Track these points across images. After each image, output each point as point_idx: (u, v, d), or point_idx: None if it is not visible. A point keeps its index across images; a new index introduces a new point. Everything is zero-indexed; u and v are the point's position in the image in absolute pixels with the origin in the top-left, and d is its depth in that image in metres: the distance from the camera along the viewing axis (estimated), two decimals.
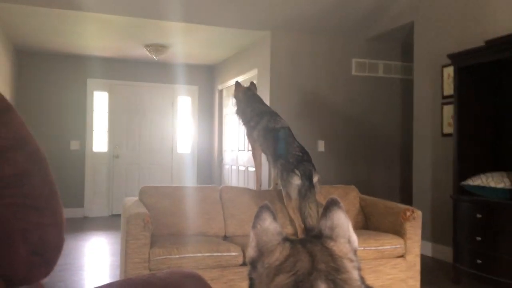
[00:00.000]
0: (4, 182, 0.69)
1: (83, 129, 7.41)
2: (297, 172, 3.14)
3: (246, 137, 3.77)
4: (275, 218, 0.68)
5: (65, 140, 7.29)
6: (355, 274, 0.62)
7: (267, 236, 0.65)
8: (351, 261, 0.64)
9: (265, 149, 3.45)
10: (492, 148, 4.06)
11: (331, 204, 0.68)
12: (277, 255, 0.62)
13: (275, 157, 3.27)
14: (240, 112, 3.67)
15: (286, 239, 0.65)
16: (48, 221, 0.72)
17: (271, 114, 3.52)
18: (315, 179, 3.18)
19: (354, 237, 0.68)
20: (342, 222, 0.67)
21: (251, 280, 0.65)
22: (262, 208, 0.69)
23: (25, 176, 0.71)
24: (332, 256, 0.62)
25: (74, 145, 7.34)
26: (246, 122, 3.62)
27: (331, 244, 0.65)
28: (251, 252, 0.66)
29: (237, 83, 3.79)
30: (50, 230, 0.72)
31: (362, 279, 0.64)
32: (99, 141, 7.61)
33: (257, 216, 0.67)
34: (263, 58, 5.84)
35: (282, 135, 3.32)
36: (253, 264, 0.65)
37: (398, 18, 5.47)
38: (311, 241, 0.65)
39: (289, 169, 3.15)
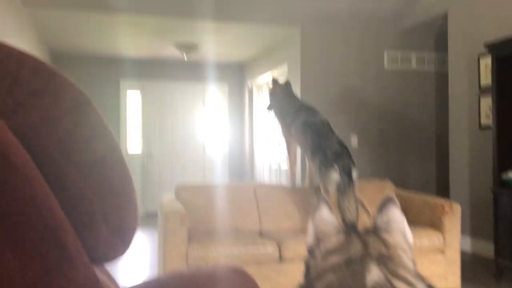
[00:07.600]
0: (87, 167, 0.75)
1: (117, 131, 7.49)
2: (336, 167, 3.08)
3: (281, 132, 3.81)
4: (331, 210, 0.72)
5: None
6: (407, 263, 0.64)
7: (324, 225, 0.68)
8: (405, 252, 0.66)
9: (303, 144, 3.43)
10: None
11: (387, 201, 0.71)
12: (333, 241, 0.66)
13: (314, 152, 3.23)
14: (277, 107, 3.70)
15: (341, 228, 0.69)
16: (125, 205, 0.79)
17: (309, 109, 3.53)
18: (354, 174, 3.12)
19: (409, 232, 0.69)
20: (398, 218, 0.69)
21: (307, 266, 0.68)
22: (321, 200, 0.72)
23: (105, 162, 0.77)
24: (386, 245, 0.64)
25: None
26: (283, 117, 3.62)
27: (385, 236, 0.66)
28: (309, 240, 0.69)
29: (274, 80, 3.85)
30: (127, 213, 0.80)
31: (414, 267, 0.65)
32: (133, 142, 7.69)
33: (316, 207, 0.71)
34: (293, 54, 5.88)
35: (321, 129, 3.29)
36: (310, 251, 0.68)
37: (431, 7, 5.42)
38: (366, 232, 0.68)
39: (327, 164, 3.10)
